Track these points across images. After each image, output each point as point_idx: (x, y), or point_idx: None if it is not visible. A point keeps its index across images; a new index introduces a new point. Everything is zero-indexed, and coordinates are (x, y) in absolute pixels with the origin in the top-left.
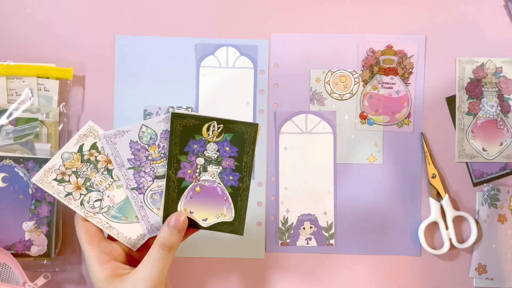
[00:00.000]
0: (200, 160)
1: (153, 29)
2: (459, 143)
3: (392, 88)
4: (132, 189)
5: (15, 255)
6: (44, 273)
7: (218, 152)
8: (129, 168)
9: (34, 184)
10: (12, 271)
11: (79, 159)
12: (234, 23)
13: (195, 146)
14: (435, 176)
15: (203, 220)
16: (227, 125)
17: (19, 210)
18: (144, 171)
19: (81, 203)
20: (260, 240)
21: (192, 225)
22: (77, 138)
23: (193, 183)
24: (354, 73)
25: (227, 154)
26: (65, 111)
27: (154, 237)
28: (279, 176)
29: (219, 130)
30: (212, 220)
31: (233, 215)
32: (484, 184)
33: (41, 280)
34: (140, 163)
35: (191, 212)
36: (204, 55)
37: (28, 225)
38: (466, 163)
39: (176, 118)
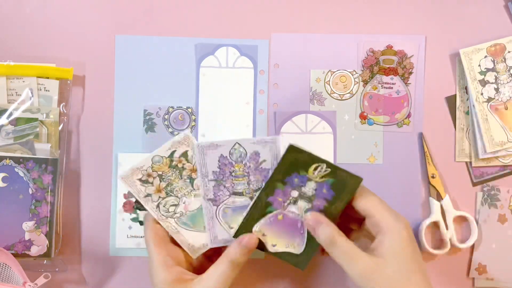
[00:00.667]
0: (295, 193)
1: (153, 29)
2: (459, 143)
3: (392, 88)
4: (209, 199)
5: (15, 255)
6: (44, 273)
7: (314, 191)
8: (211, 180)
9: (31, 182)
10: (12, 271)
11: (168, 164)
12: (234, 23)
13: (296, 180)
14: (435, 176)
15: (272, 245)
16: (334, 171)
17: (19, 210)
18: (224, 186)
19: (157, 206)
20: None
21: (259, 247)
22: (171, 144)
23: (279, 210)
24: (354, 73)
25: (322, 195)
26: (65, 111)
27: (214, 249)
28: None
29: (324, 173)
30: (280, 248)
31: (302, 249)
32: (484, 184)
33: (41, 280)
34: (223, 177)
35: (263, 234)
36: (204, 55)
37: (28, 225)
38: (466, 162)
39: (292, 151)
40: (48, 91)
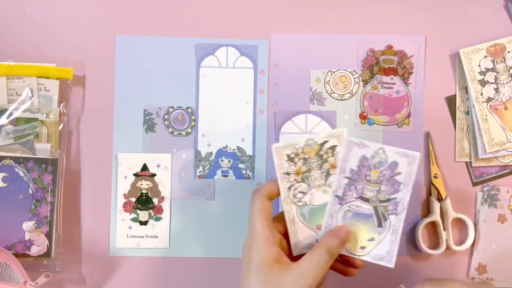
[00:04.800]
0: None
1: (153, 29)
2: (459, 143)
3: (392, 88)
4: (336, 196)
5: (15, 255)
6: (44, 273)
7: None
8: (346, 177)
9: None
10: (13, 271)
11: (317, 151)
12: (234, 23)
13: None
14: (438, 176)
15: None
16: None
17: (19, 210)
18: (356, 187)
19: (289, 188)
20: None
21: None
22: (327, 134)
23: None
24: (354, 73)
25: None
26: (65, 111)
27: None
28: None
29: None
30: None
31: None
32: (484, 184)
33: (42, 280)
34: (358, 177)
35: None
36: (204, 55)
37: (28, 225)
38: (466, 162)
39: None
40: (48, 91)
